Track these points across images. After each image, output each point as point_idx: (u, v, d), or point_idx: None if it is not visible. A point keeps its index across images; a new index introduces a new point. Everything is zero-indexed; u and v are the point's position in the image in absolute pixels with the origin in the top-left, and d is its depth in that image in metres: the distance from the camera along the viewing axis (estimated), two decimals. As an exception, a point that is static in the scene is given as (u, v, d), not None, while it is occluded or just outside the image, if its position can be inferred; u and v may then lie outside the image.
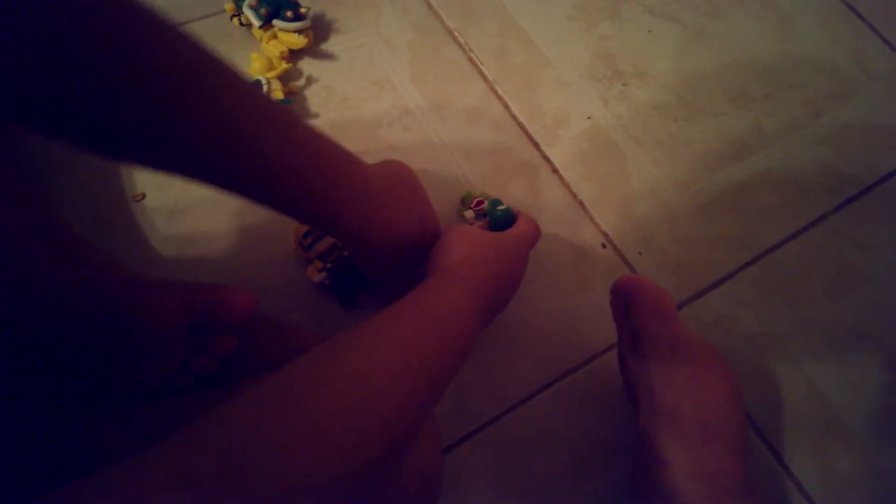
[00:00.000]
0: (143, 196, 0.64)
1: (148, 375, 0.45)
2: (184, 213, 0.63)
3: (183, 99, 0.36)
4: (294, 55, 0.71)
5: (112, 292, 0.43)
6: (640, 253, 0.63)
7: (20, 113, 0.35)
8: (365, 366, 0.36)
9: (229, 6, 0.71)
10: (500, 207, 0.58)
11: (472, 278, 0.46)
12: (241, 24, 0.71)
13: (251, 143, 0.39)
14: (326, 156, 0.45)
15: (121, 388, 0.45)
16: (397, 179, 0.52)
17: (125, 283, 0.45)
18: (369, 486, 0.34)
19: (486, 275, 0.47)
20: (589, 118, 0.70)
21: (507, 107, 0.71)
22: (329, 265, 0.59)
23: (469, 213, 0.62)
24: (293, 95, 0.68)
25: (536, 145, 0.68)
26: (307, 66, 0.71)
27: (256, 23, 0.68)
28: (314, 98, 0.69)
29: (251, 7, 0.68)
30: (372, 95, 0.70)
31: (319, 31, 0.73)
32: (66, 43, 0.32)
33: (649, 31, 0.75)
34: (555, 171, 0.67)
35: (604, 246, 0.64)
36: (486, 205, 0.60)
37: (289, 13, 0.68)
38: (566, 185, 0.66)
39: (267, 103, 0.41)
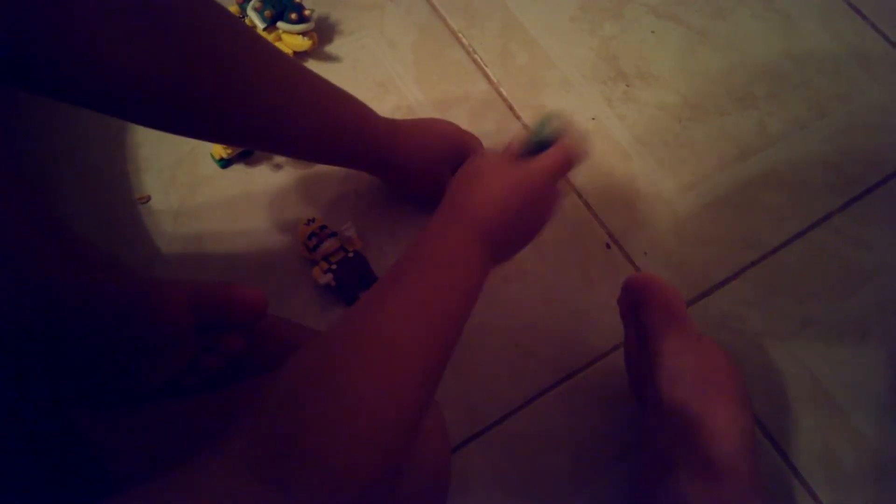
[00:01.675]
0: (149, 198, 0.64)
1: (155, 374, 0.45)
2: (189, 214, 0.64)
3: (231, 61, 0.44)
4: (299, 57, 0.71)
5: (119, 290, 0.43)
6: (645, 253, 0.63)
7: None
8: (390, 333, 0.37)
9: (234, 9, 0.71)
10: (545, 133, 0.49)
11: (481, 216, 0.44)
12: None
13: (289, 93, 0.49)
14: (350, 98, 0.54)
15: (127, 387, 0.45)
16: (419, 120, 0.61)
17: (132, 281, 0.45)
18: (402, 460, 0.35)
19: (497, 212, 0.44)
20: (593, 119, 0.70)
21: (510, 108, 0.71)
22: (335, 266, 0.59)
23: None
24: (298, 97, 0.68)
25: (541, 146, 0.69)
26: (311, 67, 0.71)
27: (261, 25, 0.68)
28: (318, 100, 0.69)
29: (255, 10, 0.68)
30: (376, 97, 0.70)
31: (323, 33, 0.73)
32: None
33: (653, 31, 0.75)
34: (559, 171, 0.67)
35: (608, 246, 0.64)
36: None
37: (293, 15, 0.68)
38: (571, 186, 0.66)
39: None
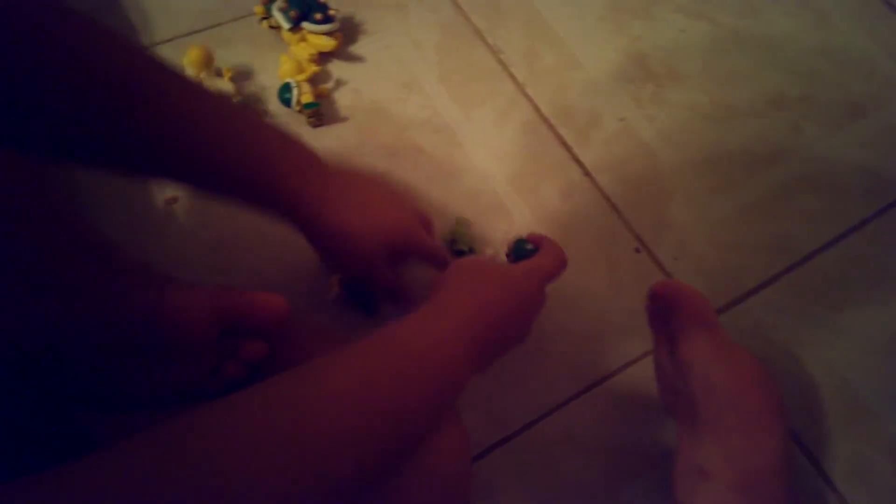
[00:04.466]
0: (176, 199, 0.64)
1: (177, 380, 0.45)
2: (217, 216, 0.63)
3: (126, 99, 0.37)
4: (323, 58, 0.71)
5: (143, 296, 0.43)
6: (675, 258, 0.62)
7: None
8: (334, 393, 0.34)
9: (259, 9, 0.71)
10: (528, 247, 0.54)
11: (466, 309, 0.43)
12: (271, 26, 0.71)
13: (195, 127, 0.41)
14: (271, 134, 0.45)
15: (150, 393, 0.44)
16: (364, 180, 0.51)
17: (156, 291, 0.44)
18: None
19: (482, 305, 0.43)
20: (621, 120, 0.69)
21: (537, 108, 0.70)
22: (342, 276, 0.58)
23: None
24: (322, 98, 0.68)
25: (568, 148, 0.67)
26: (336, 68, 0.71)
27: (286, 25, 0.68)
28: (343, 100, 0.69)
29: (281, 10, 0.68)
30: (400, 97, 0.70)
31: (348, 33, 0.73)
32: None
33: (682, 30, 0.74)
34: (587, 174, 0.66)
35: (638, 251, 0.62)
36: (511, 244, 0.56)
37: (318, 15, 0.68)
38: (599, 189, 0.65)
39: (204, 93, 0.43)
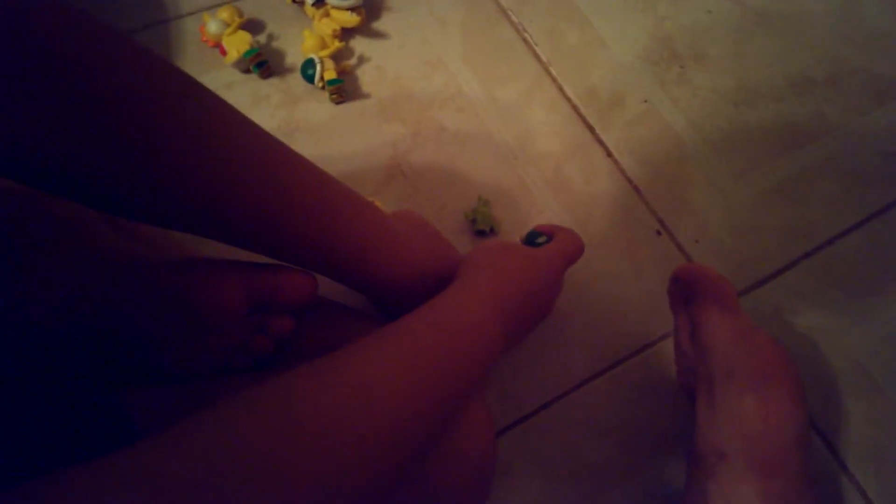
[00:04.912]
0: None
1: (207, 355, 0.45)
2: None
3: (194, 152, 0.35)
4: (346, 33, 0.70)
5: (177, 281, 0.43)
6: (696, 241, 0.62)
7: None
8: (372, 377, 0.34)
9: (282, -17, 0.70)
10: (540, 240, 0.55)
11: (495, 287, 0.44)
12: (294, 1, 0.70)
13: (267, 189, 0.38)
14: (345, 195, 0.44)
15: (179, 367, 0.45)
16: (414, 222, 0.52)
17: (189, 269, 0.44)
18: (371, 499, 0.31)
19: (510, 284, 0.45)
20: (645, 101, 0.68)
21: (560, 88, 0.69)
22: None
23: None
24: (345, 74, 0.68)
25: (591, 128, 0.67)
26: (359, 44, 0.71)
27: (309, 0, 0.68)
28: (366, 77, 0.69)
29: (305, -16, 0.68)
30: (424, 75, 0.69)
31: (371, 9, 0.72)
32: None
33: (709, 11, 0.73)
34: (609, 155, 0.66)
35: (659, 233, 0.63)
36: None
37: (342, -10, 0.67)
38: (621, 170, 0.65)
39: (279, 149, 0.40)
